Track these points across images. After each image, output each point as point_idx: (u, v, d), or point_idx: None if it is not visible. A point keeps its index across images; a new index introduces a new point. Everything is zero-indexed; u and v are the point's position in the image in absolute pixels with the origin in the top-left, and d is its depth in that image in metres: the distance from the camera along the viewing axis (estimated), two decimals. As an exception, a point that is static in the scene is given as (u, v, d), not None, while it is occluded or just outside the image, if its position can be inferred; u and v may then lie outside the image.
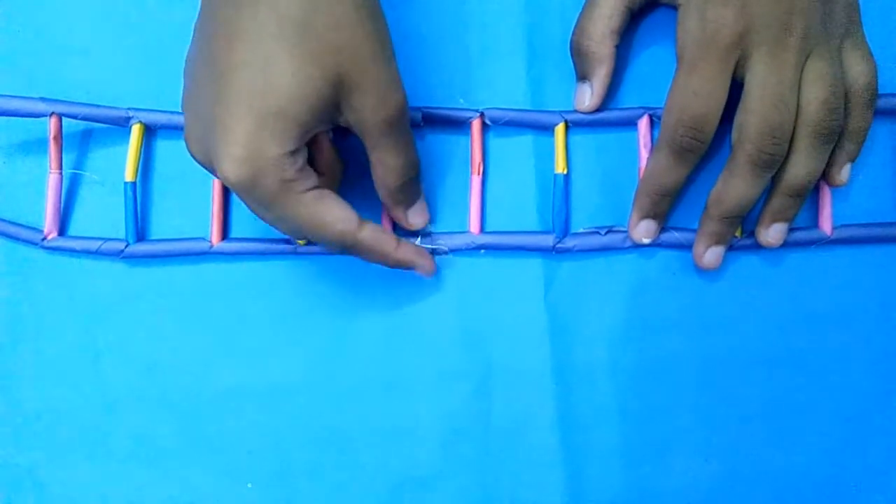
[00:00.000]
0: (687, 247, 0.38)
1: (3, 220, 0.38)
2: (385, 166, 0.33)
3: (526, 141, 0.39)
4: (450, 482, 0.38)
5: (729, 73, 0.33)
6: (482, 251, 0.38)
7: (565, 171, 0.38)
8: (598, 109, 0.37)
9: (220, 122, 0.30)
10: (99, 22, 0.39)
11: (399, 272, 0.37)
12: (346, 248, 0.33)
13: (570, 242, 0.38)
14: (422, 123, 0.38)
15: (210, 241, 0.38)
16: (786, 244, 0.37)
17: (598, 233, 0.38)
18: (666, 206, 0.36)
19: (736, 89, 0.34)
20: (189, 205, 0.38)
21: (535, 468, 0.38)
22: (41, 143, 0.38)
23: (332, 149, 0.35)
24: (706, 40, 0.33)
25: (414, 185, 0.36)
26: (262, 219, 0.33)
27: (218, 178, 0.33)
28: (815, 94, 0.33)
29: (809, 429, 0.38)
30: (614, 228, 0.38)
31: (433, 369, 0.38)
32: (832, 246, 0.38)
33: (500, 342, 0.38)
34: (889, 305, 0.39)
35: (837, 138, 0.35)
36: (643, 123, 0.38)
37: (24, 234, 0.38)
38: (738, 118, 0.34)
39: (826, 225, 0.38)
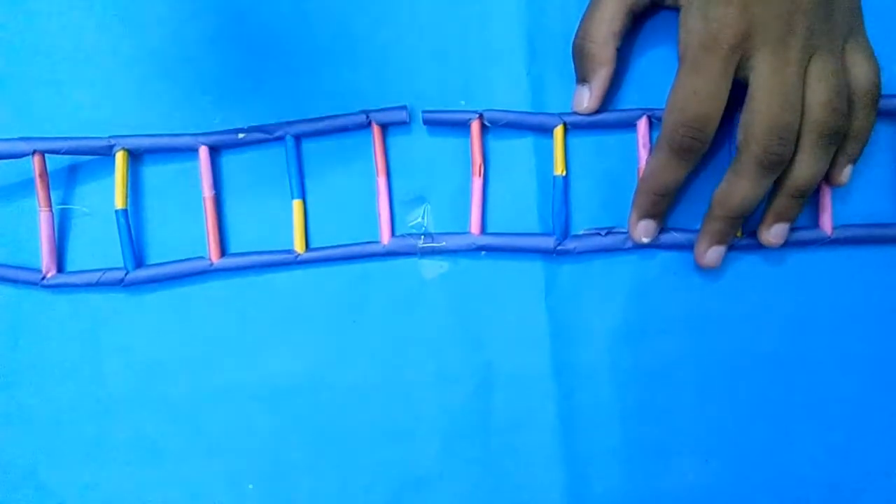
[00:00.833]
0: (688, 248, 0.38)
1: (1, 265, 0.38)
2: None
3: (527, 143, 0.38)
4: (450, 483, 0.38)
5: (731, 73, 0.33)
6: (483, 253, 0.38)
7: (564, 173, 0.37)
8: (597, 111, 0.37)
9: None
10: (69, 54, 0.38)
11: (400, 275, 0.38)
12: None
13: (570, 244, 0.37)
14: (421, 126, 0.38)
15: (210, 259, 0.38)
16: (787, 244, 0.37)
17: (598, 234, 0.38)
18: (665, 206, 0.36)
19: (737, 90, 0.33)
20: (184, 225, 0.38)
21: (535, 469, 0.38)
22: (28, 182, 0.38)
23: None
24: (708, 40, 0.33)
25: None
26: None
27: None
28: (819, 95, 0.33)
29: (809, 430, 0.38)
30: (614, 230, 0.38)
31: (434, 370, 0.38)
32: (833, 247, 0.38)
33: (501, 343, 0.38)
34: (890, 306, 0.39)
35: (842, 139, 0.34)
36: (642, 124, 0.37)
37: (23, 275, 0.38)
38: (744, 118, 0.34)
39: (826, 225, 0.38)
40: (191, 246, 0.38)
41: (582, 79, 0.37)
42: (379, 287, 0.38)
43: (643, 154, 0.37)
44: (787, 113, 0.33)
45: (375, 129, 0.38)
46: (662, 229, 0.37)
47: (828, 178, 0.36)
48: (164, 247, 0.39)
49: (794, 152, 0.34)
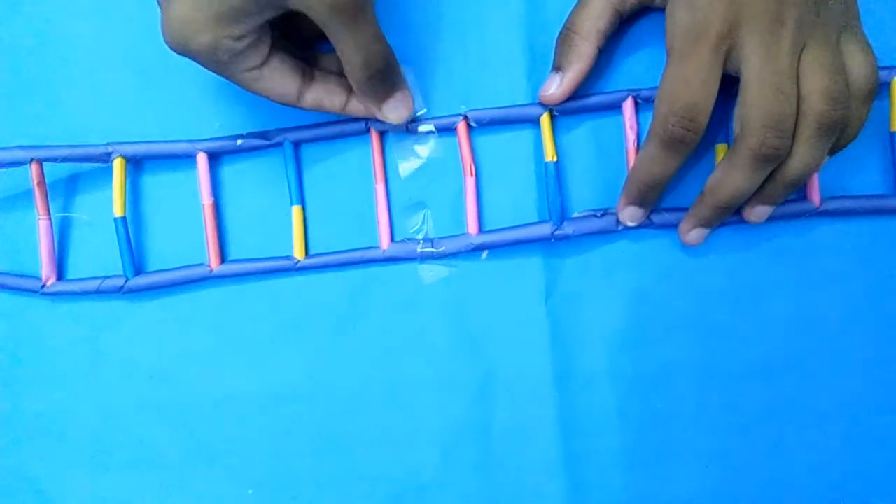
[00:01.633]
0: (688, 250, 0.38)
1: (1, 273, 0.38)
2: (347, 59, 0.33)
3: (522, 139, 0.38)
4: (451, 489, 0.38)
5: (720, 63, 0.33)
6: (483, 255, 0.38)
7: (555, 159, 0.37)
8: (561, 103, 0.37)
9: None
10: (66, 61, 0.38)
11: (399, 281, 0.38)
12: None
13: (568, 228, 0.37)
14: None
15: (209, 266, 0.38)
16: (774, 217, 0.36)
17: (594, 216, 0.38)
18: (654, 197, 0.36)
19: (731, 85, 0.33)
20: (184, 232, 0.38)
21: (536, 475, 0.38)
22: (29, 190, 0.38)
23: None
24: (696, 29, 0.32)
25: (385, 78, 0.34)
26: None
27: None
28: (815, 84, 0.32)
29: (810, 434, 0.38)
30: (610, 210, 0.38)
31: (434, 376, 0.38)
32: (833, 248, 0.38)
33: (501, 348, 0.38)
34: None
35: (840, 130, 0.33)
36: (628, 105, 0.37)
37: (24, 283, 0.38)
38: (738, 111, 0.33)
39: (814, 197, 0.37)
40: (191, 253, 0.38)
41: (557, 67, 0.37)
42: (379, 292, 0.38)
43: (630, 136, 0.37)
44: (781, 103, 0.32)
45: (374, 135, 0.38)
46: (654, 210, 0.37)
47: None
48: (164, 254, 0.39)
49: (792, 143, 0.33)
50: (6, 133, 0.38)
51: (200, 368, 0.38)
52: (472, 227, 0.38)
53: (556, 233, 0.37)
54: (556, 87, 0.36)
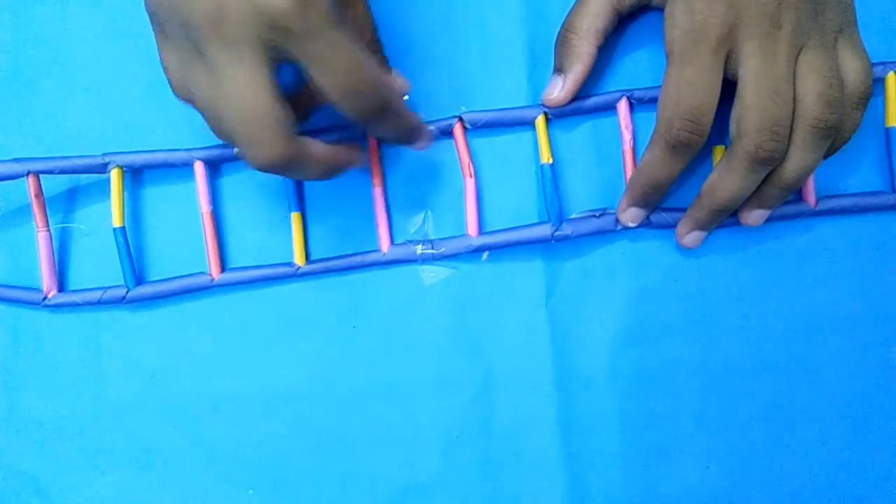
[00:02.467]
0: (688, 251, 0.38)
1: (2, 286, 0.38)
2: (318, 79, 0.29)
3: (517, 139, 0.38)
4: (451, 489, 0.38)
5: (721, 65, 0.33)
6: (483, 256, 0.38)
7: (551, 161, 0.37)
8: (567, 104, 0.37)
9: None
10: (62, 72, 0.38)
11: (400, 283, 0.38)
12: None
13: (567, 229, 0.37)
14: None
15: (210, 275, 0.38)
16: (771, 218, 0.36)
17: (593, 216, 0.38)
18: (657, 199, 0.36)
19: (728, 87, 0.33)
20: (184, 241, 0.38)
21: (536, 474, 0.38)
22: (27, 203, 0.38)
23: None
24: (695, 32, 0.32)
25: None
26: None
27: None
28: (811, 87, 0.32)
29: (810, 434, 0.38)
30: (609, 211, 0.38)
31: (434, 376, 0.39)
32: (833, 249, 0.38)
33: (502, 349, 0.38)
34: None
35: (836, 134, 0.33)
36: (622, 106, 0.37)
37: (25, 296, 0.38)
38: (735, 113, 0.33)
39: (810, 197, 0.37)
40: (191, 261, 0.38)
41: (559, 69, 0.37)
42: (380, 295, 0.38)
43: (626, 136, 0.37)
44: (777, 106, 0.32)
45: (371, 139, 0.38)
46: (654, 210, 0.37)
47: None
48: (164, 263, 0.39)
49: (787, 145, 0.33)
50: (1, 145, 0.38)
51: (202, 374, 0.38)
52: (472, 228, 0.38)
53: (556, 233, 0.37)
54: (559, 90, 0.36)
